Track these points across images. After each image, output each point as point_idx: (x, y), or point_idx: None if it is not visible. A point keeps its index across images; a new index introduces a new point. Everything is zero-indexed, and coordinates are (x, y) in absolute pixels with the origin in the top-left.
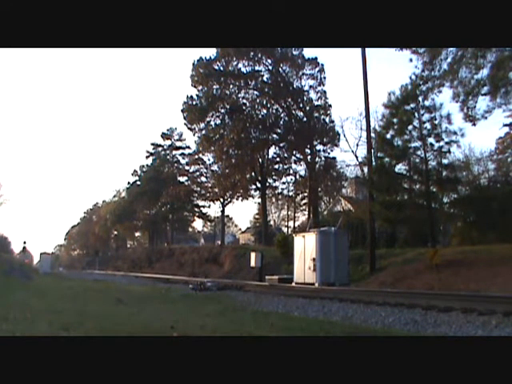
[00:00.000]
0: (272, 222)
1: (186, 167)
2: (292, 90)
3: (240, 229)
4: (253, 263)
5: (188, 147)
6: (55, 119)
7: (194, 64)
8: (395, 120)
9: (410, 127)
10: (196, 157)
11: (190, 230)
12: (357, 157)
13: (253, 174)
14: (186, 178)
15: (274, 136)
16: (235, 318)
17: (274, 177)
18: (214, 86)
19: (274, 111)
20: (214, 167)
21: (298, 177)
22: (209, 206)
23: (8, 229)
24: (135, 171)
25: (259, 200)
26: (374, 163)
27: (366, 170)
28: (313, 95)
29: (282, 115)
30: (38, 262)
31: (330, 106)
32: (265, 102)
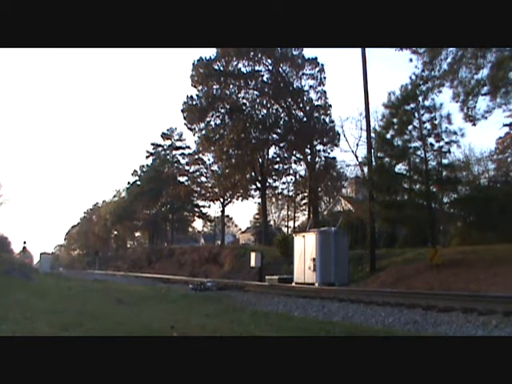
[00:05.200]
0: (272, 222)
1: (186, 167)
2: (292, 90)
3: (240, 229)
4: (253, 263)
5: (188, 147)
6: (55, 119)
7: (193, 64)
8: (395, 120)
9: (410, 127)
10: (196, 157)
11: (190, 230)
12: (357, 157)
13: (253, 173)
14: (186, 177)
15: (274, 136)
16: (235, 317)
17: (274, 177)
18: (214, 86)
19: (274, 111)
20: (214, 167)
21: (297, 177)
22: (209, 206)
23: (8, 229)
24: (135, 171)
25: (259, 200)
26: (373, 163)
27: (366, 170)
28: (313, 95)
29: (282, 115)
30: (37, 261)
31: (330, 106)
32: (265, 102)
